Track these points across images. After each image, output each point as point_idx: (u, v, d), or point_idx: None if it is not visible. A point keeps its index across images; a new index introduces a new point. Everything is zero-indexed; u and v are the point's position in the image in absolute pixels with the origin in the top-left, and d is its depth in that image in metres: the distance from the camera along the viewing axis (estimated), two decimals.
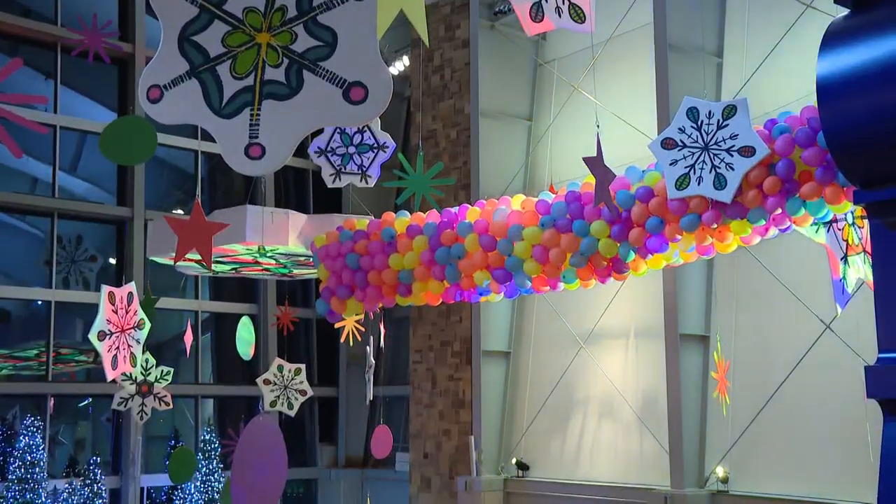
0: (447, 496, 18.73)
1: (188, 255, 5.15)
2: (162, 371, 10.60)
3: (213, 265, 10.41)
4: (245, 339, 12.10)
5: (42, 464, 18.12)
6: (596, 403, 16.82)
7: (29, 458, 17.93)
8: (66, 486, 18.69)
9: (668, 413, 14.93)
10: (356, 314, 9.37)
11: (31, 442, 18.05)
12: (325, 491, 23.02)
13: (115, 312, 7.51)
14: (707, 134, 6.99)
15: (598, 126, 6.22)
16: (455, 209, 8.80)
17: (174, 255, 5.07)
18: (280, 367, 9.91)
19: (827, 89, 5.89)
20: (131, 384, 10.36)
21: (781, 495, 13.51)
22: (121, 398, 10.45)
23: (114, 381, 9.26)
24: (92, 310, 20.10)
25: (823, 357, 13.20)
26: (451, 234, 8.50)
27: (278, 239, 9.58)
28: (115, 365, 7.53)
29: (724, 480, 14.27)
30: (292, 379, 9.94)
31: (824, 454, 13.22)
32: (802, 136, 6.83)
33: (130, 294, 8.17)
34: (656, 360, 15.45)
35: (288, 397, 9.96)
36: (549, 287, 8.51)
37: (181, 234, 4.98)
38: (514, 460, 17.48)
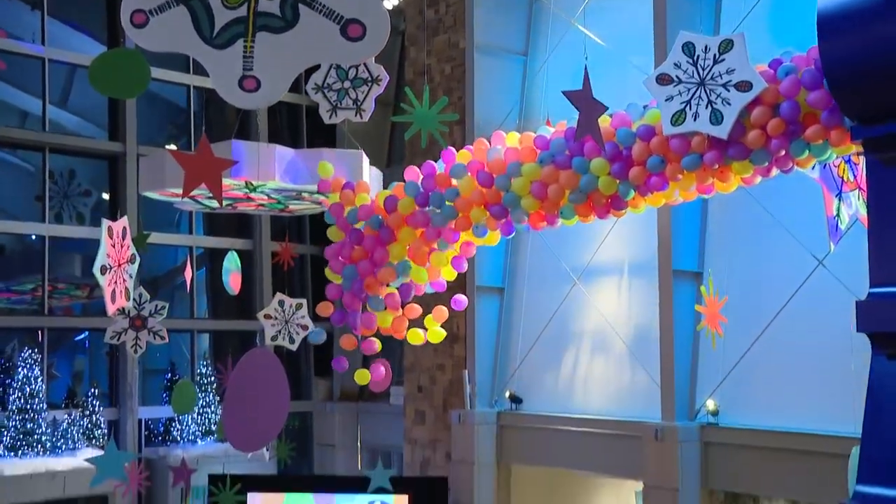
0: (441, 429, 19.04)
1: (183, 192, 5.12)
2: (157, 306, 10.63)
3: (206, 200, 10.38)
4: (230, 271, 12.13)
5: (41, 395, 18.33)
6: (589, 338, 16.99)
7: (28, 389, 18.14)
8: (66, 416, 18.95)
9: (661, 347, 15.11)
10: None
11: (30, 374, 18.23)
12: (320, 424, 23.34)
13: (114, 247, 7.50)
14: (703, 69, 6.91)
15: (586, 58, 6.17)
16: (437, 162, 8.81)
17: (173, 190, 5.05)
18: (281, 302, 9.94)
19: (826, 22, 5.84)
20: (124, 318, 10.38)
21: (770, 427, 13.77)
22: (114, 332, 10.48)
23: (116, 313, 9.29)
24: (86, 244, 20.29)
25: (815, 293, 13.31)
26: (443, 176, 8.48)
27: (265, 174, 9.56)
28: (114, 299, 7.54)
29: (714, 413, 14.51)
30: (293, 314, 9.99)
31: (813, 388, 13.43)
32: (808, 78, 6.72)
33: (125, 228, 8.15)
34: (649, 296, 15.56)
35: (289, 332, 10.02)
36: (546, 223, 8.53)
37: (188, 169, 4.87)
38: (507, 394, 17.72)
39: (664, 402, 15.27)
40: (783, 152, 7.00)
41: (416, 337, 9.50)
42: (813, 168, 8.02)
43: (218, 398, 20.48)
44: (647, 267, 15.64)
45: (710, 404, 14.54)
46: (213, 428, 20.49)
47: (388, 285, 9.14)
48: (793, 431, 13.42)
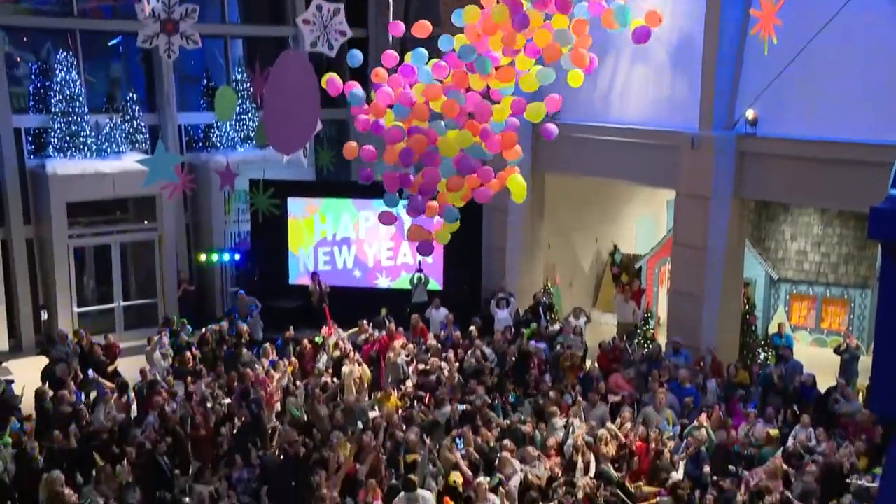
0: None
1: None
2: (187, 9, 10.36)
3: None
4: None
5: (81, 98, 18.52)
6: (629, 46, 16.49)
7: (67, 92, 18.30)
8: (108, 120, 19.25)
9: (704, 55, 14.68)
10: None
11: (67, 76, 18.31)
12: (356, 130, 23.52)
13: None
14: None
15: None
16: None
17: None
18: (319, 7, 9.63)
19: None
20: (155, 22, 10.17)
21: (808, 137, 13.66)
22: (146, 36, 10.32)
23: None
24: None
25: (866, 3, 12.63)
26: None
27: None
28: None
29: (753, 123, 14.34)
30: (331, 18, 9.71)
31: (855, 98, 13.15)
32: None
33: None
34: (695, 1, 14.86)
35: (328, 37, 9.80)
36: None
37: None
38: None
39: (703, 111, 15.10)
40: None
41: None
42: None
43: (255, 105, 20.58)
44: None
45: (750, 114, 14.33)
46: (252, 134, 20.78)
47: None
48: (830, 141, 13.32)
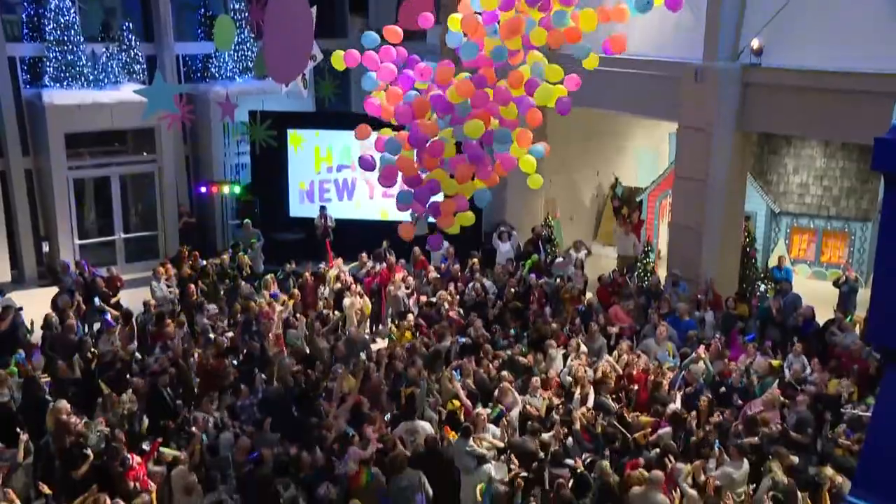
0: None
1: None
2: None
3: None
4: None
5: (76, 27, 18.22)
6: None
7: (62, 20, 17.99)
8: (104, 49, 18.98)
9: None
10: None
11: (60, 4, 17.94)
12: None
13: None
14: None
15: None
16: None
17: None
18: None
19: None
20: None
21: (814, 68, 13.48)
22: None
23: None
24: None
25: None
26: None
27: None
28: None
29: (758, 53, 14.13)
30: None
31: (864, 27, 12.92)
32: None
33: None
34: None
35: None
36: None
37: None
38: None
39: (707, 41, 14.88)
40: None
41: None
42: None
43: (253, 34, 20.28)
44: None
45: (755, 44, 14.11)
46: (251, 65, 20.53)
47: None
48: (837, 71, 13.14)
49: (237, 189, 20.04)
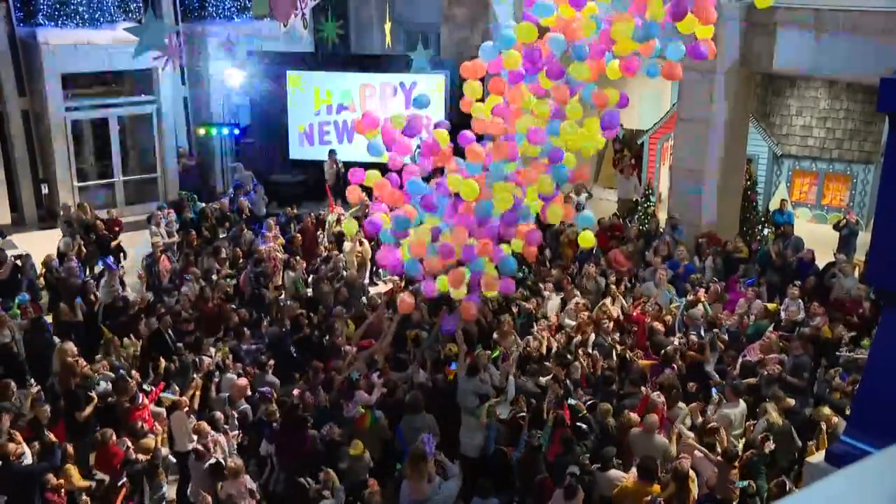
0: (480, 7, 18.59)
1: None
2: None
3: None
4: None
5: None
6: None
7: None
8: None
9: None
10: None
11: None
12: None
13: None
14: None
15: None
16: None
17: None
18: None
19: None
20: None
21: (819, 5, 13.28)
22: None
23: None
24: None
25: None
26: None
27: None
28: None
29: None
30: None
31: None
32: None
33: None
34: None
35: None
36: None
37: None
38: None
39: None
40: None
41: None
42: None
43: None
44: None
45: None
46: (249, 4, 20.19)
47: None
48: (844, 9, 12.93)
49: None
